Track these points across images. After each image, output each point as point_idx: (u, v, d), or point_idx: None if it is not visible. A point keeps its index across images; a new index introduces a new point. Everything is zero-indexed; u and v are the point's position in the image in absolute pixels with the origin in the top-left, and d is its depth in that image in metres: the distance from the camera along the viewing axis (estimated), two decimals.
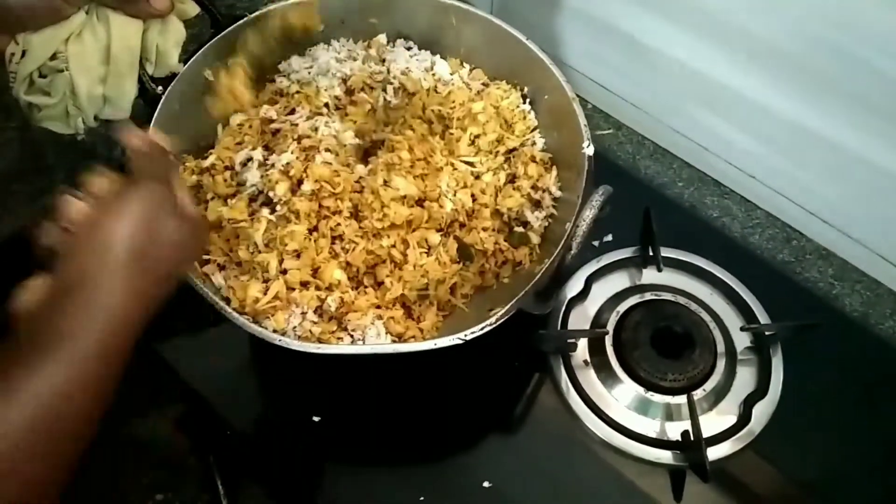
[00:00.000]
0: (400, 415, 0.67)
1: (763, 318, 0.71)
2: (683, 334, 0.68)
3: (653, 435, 0.66)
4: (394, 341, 0.61)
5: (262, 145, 0.67)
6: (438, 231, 0.65)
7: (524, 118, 0.72)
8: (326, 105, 0.70)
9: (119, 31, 0.56)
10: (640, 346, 0.67)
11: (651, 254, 0.74)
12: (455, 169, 0.68)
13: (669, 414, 0.66)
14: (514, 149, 0.71)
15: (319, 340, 0.60)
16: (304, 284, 0.62)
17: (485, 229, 0.66)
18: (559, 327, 0.71)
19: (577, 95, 0.66)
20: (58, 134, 0.60)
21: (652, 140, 0.86)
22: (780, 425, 0.65)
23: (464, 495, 0.64)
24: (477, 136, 0.70)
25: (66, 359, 0.39)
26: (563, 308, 0.72)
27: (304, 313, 0.61)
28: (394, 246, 0.63)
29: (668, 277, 0.74)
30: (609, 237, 0.77)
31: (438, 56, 0.76)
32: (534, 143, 0.71)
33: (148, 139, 0.50)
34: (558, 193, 0.68)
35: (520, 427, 0.67)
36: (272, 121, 0.69)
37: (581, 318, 0.72)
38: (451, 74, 0.74)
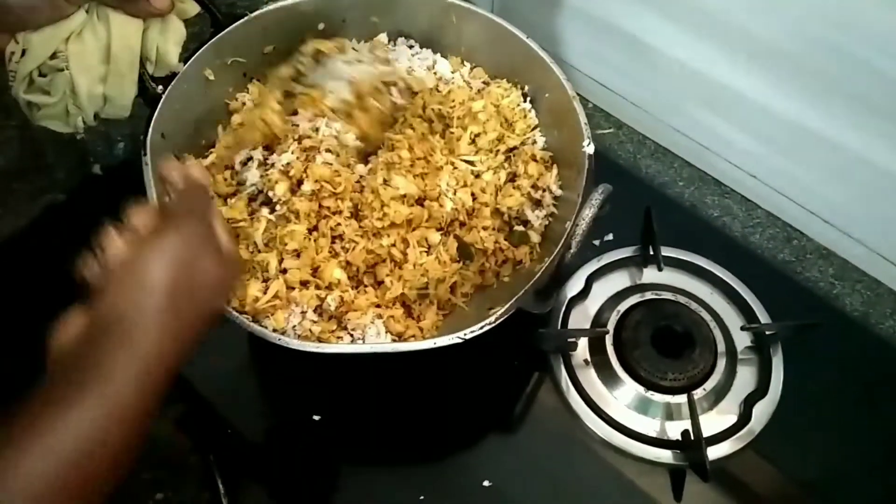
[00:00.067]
0: (400, 414, 0.67)
1: (763, 317, 0.71)
2: (684, 334, 0.68)
3: (653, 434, 0.66)
4: (394, 340, 0.61)
5: (263, 145, 0.67)
6: (438, 230, 0.65)
7: (524, 117, 0.72)
8: (333, 111, 0.69)
9: (119, 30, 0.56)
10: (641, 345, 0.67)
11: (651, 253, 0.74)
12: (455, 168, 0.68)
13: (669, 413, 0.66)
14: (515, 147, 0.71)
15: (319, 339, 0.60)
16: (304, 284, 0.62)
17: (485, 228, 0.66)
18: (559, 326, 0.71)
19: (578, 94, 0.65)
20: (58, 133, 0.60)
21: (652, 139, 0.86)
22: (781, 425, 0.65)
23: (464, 495, 0.64)
24: (477, 135, 0.70)
25: (101, 395, 0.39)
26: (564, 307, 0.72)
27: (303, 312, 0.61)
28: (394, 245, 0.63)
29: (669, 277, 0.74)
30: (610, 236, 0.77)
31: (439, 55, 0.76)
32: (534, 142, 0.71)
33: (186, 173, 0.50)
34: (559, 192, 0.68)
35: (520, 426, 0.67)
36: None
37: (581, 318, 0.72)
38: (452, 73, 0.74)
